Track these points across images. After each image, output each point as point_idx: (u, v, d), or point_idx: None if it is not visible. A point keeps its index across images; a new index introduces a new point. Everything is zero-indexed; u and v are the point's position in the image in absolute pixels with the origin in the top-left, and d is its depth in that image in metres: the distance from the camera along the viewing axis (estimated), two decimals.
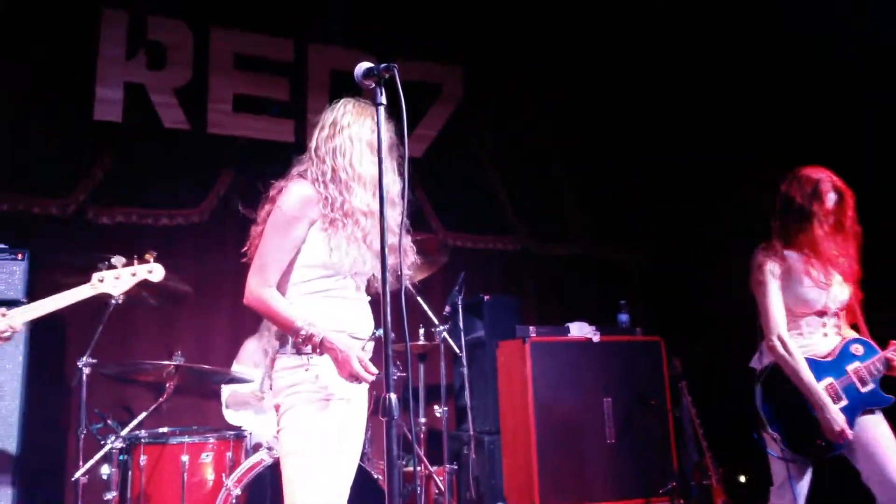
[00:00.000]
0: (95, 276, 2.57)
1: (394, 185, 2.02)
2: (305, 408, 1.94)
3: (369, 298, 2.16)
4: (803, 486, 2.59)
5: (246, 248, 2.14)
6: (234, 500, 2.81)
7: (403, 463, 3.67)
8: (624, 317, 4.33)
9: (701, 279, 5.00)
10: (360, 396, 2.11)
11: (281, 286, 2.04)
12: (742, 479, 4.14)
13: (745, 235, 3.08)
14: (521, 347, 3.85)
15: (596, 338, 4.01)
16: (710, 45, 4.93)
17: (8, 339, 2.38)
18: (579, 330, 4.03)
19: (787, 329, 2.64)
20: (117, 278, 2.58)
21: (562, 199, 5.47)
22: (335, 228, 2.00)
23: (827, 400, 2.52)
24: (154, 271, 2.66)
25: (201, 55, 4.57)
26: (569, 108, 5.40)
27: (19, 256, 3.38)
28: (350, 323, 2.04)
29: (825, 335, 2.67)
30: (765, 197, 2.89)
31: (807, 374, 2.57)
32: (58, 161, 4.10)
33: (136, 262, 2.62)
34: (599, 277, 5.32)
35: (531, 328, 3.92)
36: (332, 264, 1.99)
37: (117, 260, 2.59)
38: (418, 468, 3.43)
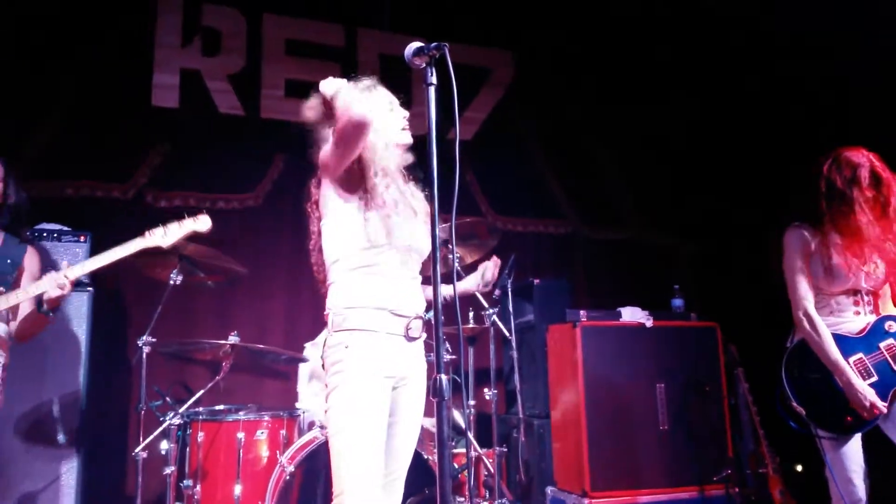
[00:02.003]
0: (147, 232, 2.66)
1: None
2: (348, 387, 1.93)
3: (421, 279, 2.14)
4: (849, 460, 2.52)
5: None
6: (287, 477, 2.87)
7: (453, 444, 3.69)
8: (678, 302, 4.24)
9: (758, 263, 4.87)
10: (415, 377, 2.09)
11: (326, 264, 2.08)
12: (799, 468, 4.04)
13: (804, 217, 2.98)
14: (571, 331, 3.81)
15: (649, 323, 3.94)
16: (765, 29, 4.77)
17: (65, 293, 2.48)
18: (631, 315, 3.97)
19: (815, 307, 2.63)
20: (165, 233, 2.68)
21: (613, 182, 5.39)
22: (371, 197, 2.03)
23: (853, 375, 2.50)
24: (200, 221, 2.75)
25: (254, 41, 4.64)
26: (619, 91, 5.30)
27: (82, 238, 3.50)
28: (391, 300, 2.01)
29: (857, 313, 2.64)
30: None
31: (832, 350, 2.55)
32: (118, 147, 4.22)
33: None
34: (652, 262, 5.23)
35: (582, 312, 3.88)
36: (368, 235, 2.00)
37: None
38: (468, 450, 3.44)
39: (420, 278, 2.14)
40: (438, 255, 1.70)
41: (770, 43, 4.75)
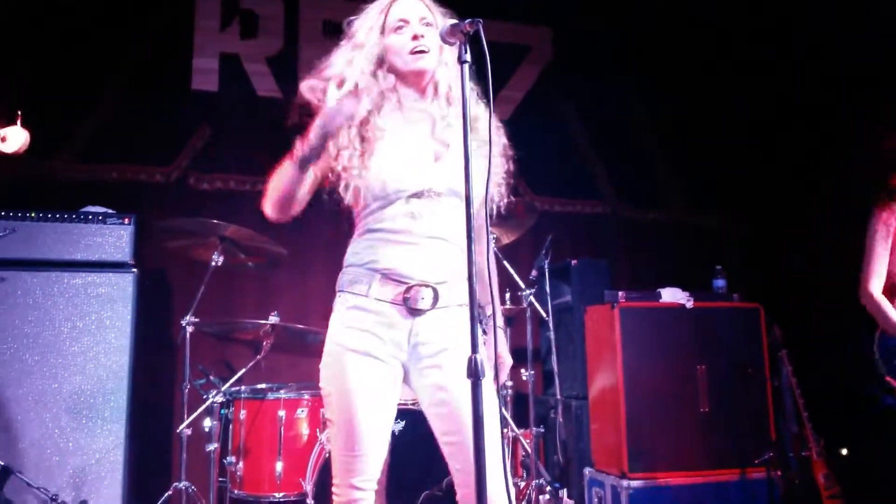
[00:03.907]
0: None
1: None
2: (325, 357, 1.79)
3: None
4: None
5: None
6: (327, 454, 2.91)
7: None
8: (720, 282, 4.16)
9: (804, 243, 4.77)
10: (437, 357, 1.78)
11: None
12: (844, 451, 3.96)
13: (851, 197, 2.92)
14: (609, 313, 3.77)
15: (689, 304, 3.88)
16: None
17: None
18: (672, 296, 3.90)
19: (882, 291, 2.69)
20: None
21: (654, 161, 5.30)
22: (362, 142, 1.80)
23: None
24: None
25: (292, 24, 4.66)
26: (661, 68, 5.19)
27: (126, 221, 3.57)
28: (386, 259, 1.76)
29: None
30: (869, 159, 2.76)
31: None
32: (160, 131, 4.30)
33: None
34: (693, 242, 5.14)
35: (620, 293, 3.83)
36: (369, 186, 1.78)
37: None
38: (505, 430, 3.45)
39: (456, 241, 1.78)
40: (472, 211, 1.53)
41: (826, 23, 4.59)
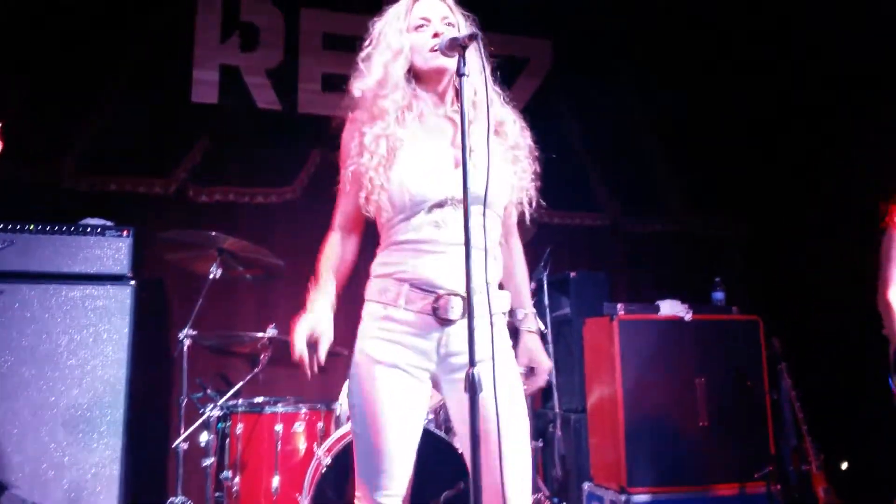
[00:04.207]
0: None
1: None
2: (353, 368, 1.78)
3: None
4: None
5: None
6: (324, 469, 2.89)
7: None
8: (719, 294, 4.16)
9: (802, 255, 4.77)
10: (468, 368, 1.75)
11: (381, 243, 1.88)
12: (844, 465, 3.94)
13: (850, 206, 2.93)
14: (608, 325, 3.77)
15: (688, 316, 3.87)
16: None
17: None
18: (671, 308, 3.90)
19: None
20: None
21: (653, 172, 5.30)
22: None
23: None
24: None
25: (292, 36, 4.67)
26: (660, 80, 5.20)
27: (125, 233, 3.57)
28: (428, 270, 1.73)
29: None
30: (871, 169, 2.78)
31: None
32: (160, 142, 4.30)
33: None
34: (693, 254, 5.14)
35: (619, 305, 3.83)
36: (391, 198, 1.77)
37: None
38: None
39: (487, 248, 1.75)
40: (469, 220, 1.55)
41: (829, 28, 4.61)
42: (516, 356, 1.89)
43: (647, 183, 5.26)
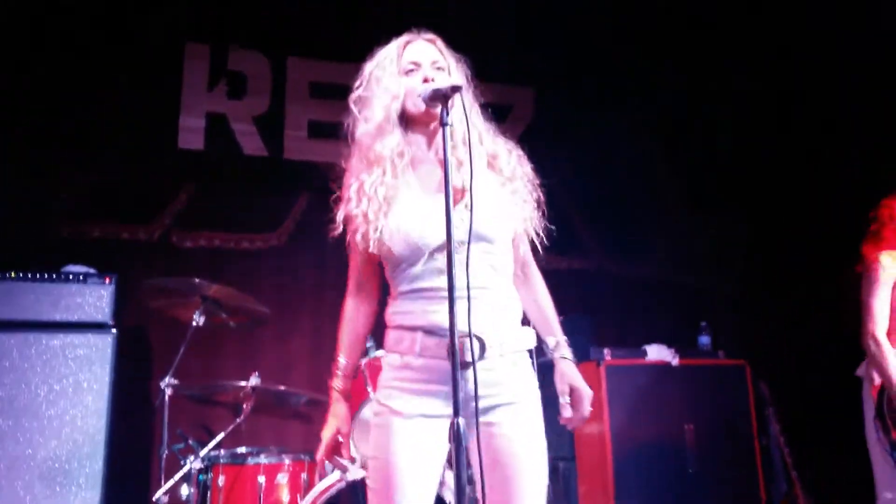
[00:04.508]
0: None
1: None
2: (372, 431, 1.75)
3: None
4: None
5: None
6: None
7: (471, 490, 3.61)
8: (705, 339, 4.16)
9: (788, 298, 4.79)
10: (496, 413, 1.73)
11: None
12: None
13: (834, 253, 2.96)
14: (595, 370, 3.74)
15: (675, 361, 3.86)
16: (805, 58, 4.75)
17: None
18: (657, 353, 3.89)
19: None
20: None
21: (639, 217, 5.34)
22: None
23: None
24: None
25: (279, 84, 4.72)
26: (645, 124, 5.28)
27: (107, 281, 3.53)
28: (439, 315, 1.68)
29: None
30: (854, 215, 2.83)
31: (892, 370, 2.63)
32: (145, 189, 4.30)
33: None
34: (678, 298, 5.14)
35: (606, 350, 3.82)
36: (390, 249, 1.76)
37: None
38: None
39: (498, 286, 1.77)
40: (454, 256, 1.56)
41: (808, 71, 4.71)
42: (556, 385, 1.88)
43: (633, 229, 5.29)
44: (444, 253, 1.66)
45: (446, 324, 1.63)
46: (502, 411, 1.73)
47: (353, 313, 1.92)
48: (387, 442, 1.70)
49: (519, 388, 1.76)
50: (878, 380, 2.78)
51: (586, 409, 1.86)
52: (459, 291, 1.63)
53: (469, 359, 1.65)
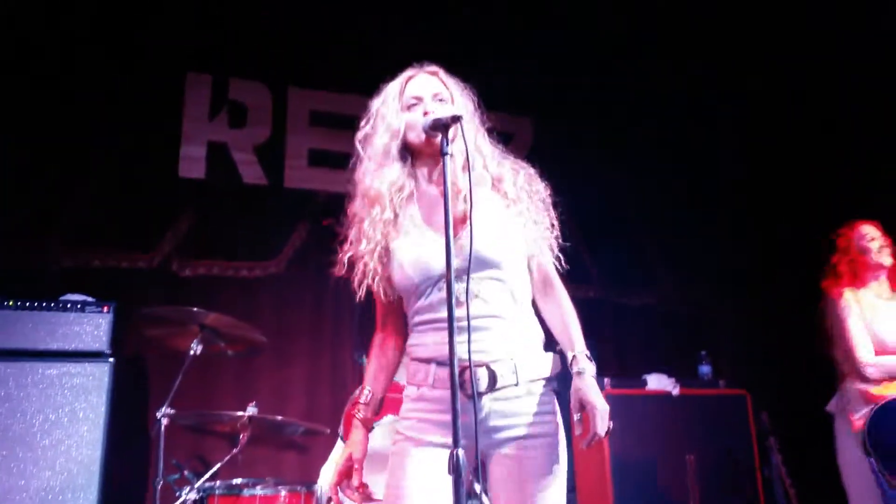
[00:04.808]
0: None
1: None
2: (390, 458, 1.77)
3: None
4: None
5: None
6: None
7: None
8: (705, 368, 4.14)
9: (790, 327, 4.77)
10: (508, 446, 1.72)
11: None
12: None
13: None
14: None
15: (676, 391, 3.84)
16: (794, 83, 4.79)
17: None
18: (658, 382, 3.87)
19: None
20: None
21: (640, 246, 5.35)
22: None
23: None
24: None
25: (279, 113, 4.75)
26: (644, 152, 5.31)
27: (105, 309, 3.52)
28: (439, 347, 1.70)
29: None
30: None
31: None
32: (145, 217, 4.30)
33: None
34: (679, 326, 5.14)
35: (606, 380, 3.79)
36: (398, 283, 1.81)
37: None
38: None
39: (513, 314, 1.77)
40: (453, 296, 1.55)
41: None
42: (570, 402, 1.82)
43: (635, 258, 5.29)
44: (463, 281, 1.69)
45: (479, 357, 1.67)
46: (518, 444, 1.73)
47: (379, 346, 1.95)
48: (400, 468, 1.72)
49: (535, 419, 1.74)
50: (859, 413, 2.82)
51: (599, 426, 1.75)
52: (475, 321, 1.66)
53: (480, 389, 1.67)
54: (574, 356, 1.84)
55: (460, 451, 1.48)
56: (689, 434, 3.76)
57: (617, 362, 4.92)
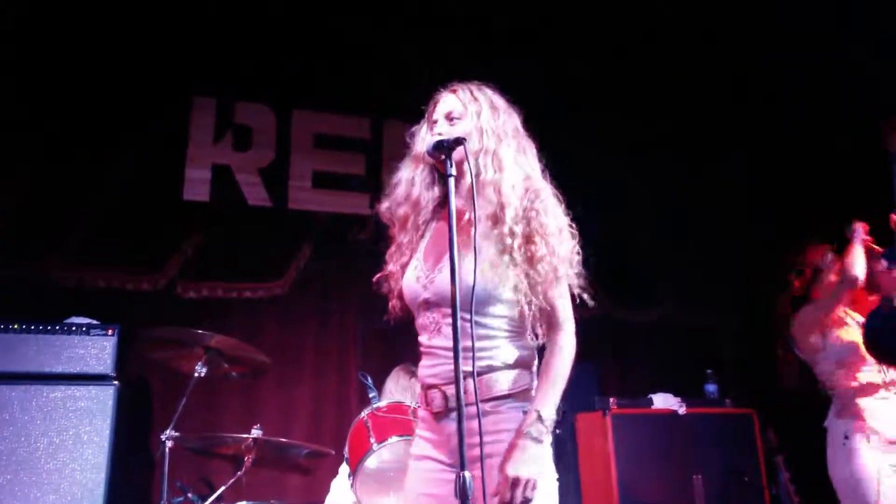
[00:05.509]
0: None
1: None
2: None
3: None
4: None
5: None
6: None
7: None
8: (711, 387, 4.12)
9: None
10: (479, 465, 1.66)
11: None
12: None
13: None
14: (601, 420, 3.70)
15: (682, 410, 3.82)
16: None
17: None
18: (663, 401, 3.85)
19: None
20: None
21: (644, 262, 5.34)
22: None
23: None
24: None
25: (283, 136, 4.78)
26: (647, 170, 5.32)
27: (110, 332, 3.52)
28: (423, 369, 1.85)
29: None
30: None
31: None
32: (149, 240, 4.31)
33: None
34: (685, 344, 5.11)
35: (611, 399, 3.78)
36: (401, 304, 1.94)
37: None
38: None
39: (488, 347, 1.75)
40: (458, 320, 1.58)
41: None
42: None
43: (639, 275, 5.28)
44: (429, 311, 1.81)
45: (425, 377, 1.82)
46: (479, 465, 1.64)
47: None
48: (407, 484, 1.86)
49: (489, 438, 1.66)
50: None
51: (507, 494, 1.62)
52: (433, 349, 1.80)
53: (435, 409, 1.79)
54: (527, 412, 1.73)
55: (467, 474, 1.50)
56: (695, 453, 3.74)
57: (621, 380, 4.90)
